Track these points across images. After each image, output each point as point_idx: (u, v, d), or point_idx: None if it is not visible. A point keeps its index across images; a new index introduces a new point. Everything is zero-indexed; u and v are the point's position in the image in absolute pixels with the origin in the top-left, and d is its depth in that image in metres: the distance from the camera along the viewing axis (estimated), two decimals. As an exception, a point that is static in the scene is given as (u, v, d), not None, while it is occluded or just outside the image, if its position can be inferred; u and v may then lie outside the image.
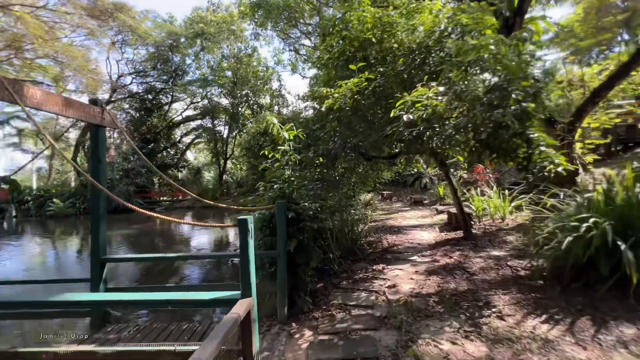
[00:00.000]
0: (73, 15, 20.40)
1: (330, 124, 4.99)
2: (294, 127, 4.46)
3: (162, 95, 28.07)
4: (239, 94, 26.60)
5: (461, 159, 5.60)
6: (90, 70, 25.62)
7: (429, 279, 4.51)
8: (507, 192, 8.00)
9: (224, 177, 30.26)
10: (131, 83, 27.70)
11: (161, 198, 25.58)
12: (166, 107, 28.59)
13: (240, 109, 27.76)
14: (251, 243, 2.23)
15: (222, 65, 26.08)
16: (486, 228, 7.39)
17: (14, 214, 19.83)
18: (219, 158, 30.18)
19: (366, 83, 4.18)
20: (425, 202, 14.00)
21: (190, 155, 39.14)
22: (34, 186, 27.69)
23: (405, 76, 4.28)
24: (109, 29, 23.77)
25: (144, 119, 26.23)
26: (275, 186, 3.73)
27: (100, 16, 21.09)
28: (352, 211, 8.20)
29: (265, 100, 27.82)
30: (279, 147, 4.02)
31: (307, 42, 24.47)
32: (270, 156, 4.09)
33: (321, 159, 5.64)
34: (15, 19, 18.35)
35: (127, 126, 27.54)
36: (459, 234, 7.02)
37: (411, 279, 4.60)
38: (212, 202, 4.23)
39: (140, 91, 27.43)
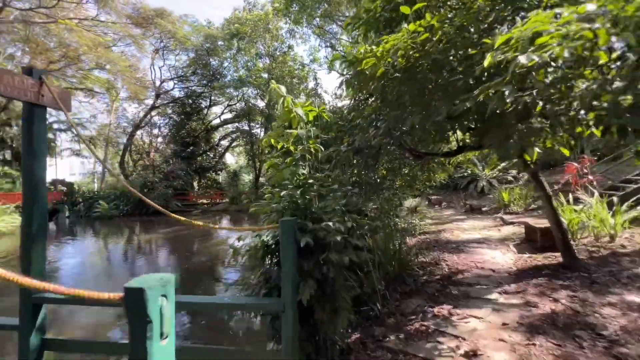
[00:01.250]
0: (120, 25, 21.27)
1: (372, 105, 3.51)
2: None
3: (201, 99, 28.55)
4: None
5: (566, 152, 3.73)
6: (137, 78, 26.86)
7: (533, 344, 2.79)
8: (614, 199, 5.82)
9: (261, 179, 29.95)
10: (173, 88, 28.58)
11: (199, 200, 25.79)
12: (205, 111, 29.03)
13: (275, 110, 27.21)
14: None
15: (257, 65, 25.70)
16: (590, 250, 5.30)
17: (66, 214, 21.09)
18: (255, 160, 29.94)
19: (427, 34, 2.64)
20: (485, 209, 11.74)
21: (230, 158, 39.91)
22: (95, 188, 29.77)
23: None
24: (152, 37, 24.66)
25: (184, 122, 26.79)
26: (283, 193, 2.34)
27: (142, 24, 21.79)
28: (397, 219, 6.59)
29: (301, 100, 26.94)
30: (288, 131, 2.65)
31: (344, 37, 23.11)
32: (279, 147, 2.73)
33: (356, 160, 4.19)
34: (69, 31, 19.43)
35: (170, 130, 28.44)
36: (552, 257, 5.07)
37: (501, 339, 2.91)
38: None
39: (181, 96, 28.16)
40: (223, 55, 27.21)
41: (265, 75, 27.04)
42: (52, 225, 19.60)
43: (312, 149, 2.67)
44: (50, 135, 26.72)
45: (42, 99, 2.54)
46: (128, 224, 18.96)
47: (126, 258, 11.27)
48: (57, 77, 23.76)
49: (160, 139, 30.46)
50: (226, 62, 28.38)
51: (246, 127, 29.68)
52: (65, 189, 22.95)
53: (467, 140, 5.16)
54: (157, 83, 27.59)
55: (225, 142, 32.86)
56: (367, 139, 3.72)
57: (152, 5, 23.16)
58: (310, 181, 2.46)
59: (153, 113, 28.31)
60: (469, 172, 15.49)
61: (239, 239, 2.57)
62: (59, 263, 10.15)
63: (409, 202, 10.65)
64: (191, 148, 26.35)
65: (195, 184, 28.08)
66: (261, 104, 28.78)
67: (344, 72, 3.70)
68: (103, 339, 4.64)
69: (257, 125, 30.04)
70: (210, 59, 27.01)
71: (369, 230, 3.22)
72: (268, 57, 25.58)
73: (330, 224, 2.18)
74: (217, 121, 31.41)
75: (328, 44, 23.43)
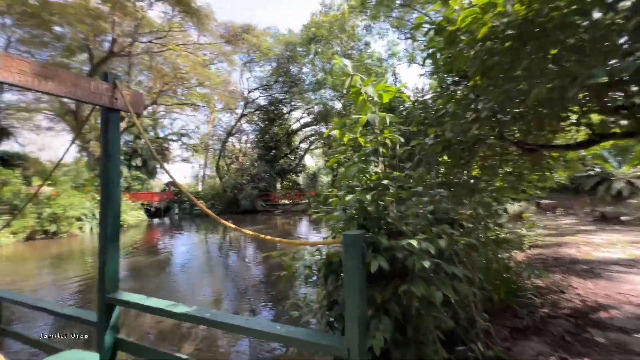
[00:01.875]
0: (215, 44, 24.07)
1: (468, 85, 2.67)
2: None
3: (282, 105, 30.24)
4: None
5: None
6: (229, 91, 30.04)
7: None
8: None
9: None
10: (258, 97, 31.02)
11: (281, 201, 27.26)
12: (286, 116, 30.65)
13: (353, 111, 26.90)
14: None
15: (334, 67, 25.81)
16: None
17: (176, 211, 24.90)
18: (334, 164, 30.16)
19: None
20: (626, 218, 8.92)
21: (310, 160, 41.39)
22: (199, 189, 34.70)
23: None
24: (240, 53, 27.23)
25: (267, 128, 28.78)
26: (348, 197, 1.80)
27: (232, 41, 24.19)
28: (496, 228, 5.34)
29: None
30: (355, 117, 2.07)
31: (426, 25, 21.22)
32: (345, 140, 2.19)
33: (445, 155, 3.39)
34: (177, 56, 22.84)
35: (255, 136, 30.95)
36: None
37: None
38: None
39: (265, 103, 30.37)
40: (302, 61, 28.24)
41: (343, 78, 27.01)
42: (166, 220, 23.45)
43: (387, 141, 2.06)
44: (165, 145, 32.07)
45: (116, 102, 2.60)
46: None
47: (219, 249, 12.55)
48: (171, 96, 28.46)
49: (248, 144, 33.50)
50: (305, 67, 29.46)
51: (324, 129, 30.20)
52: (175, 189, 27.14)
53: (610, 125, 3.72)
54: (245, 93, 30.35)
55: (304, 145, 34.12)
56: (462, 128, 2.89)
57: (240, 21, 25.62)
58: (385, 182, 1.86)
59: (242, 121, 31.27)
60: (597, 170, 12.17)
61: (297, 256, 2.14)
62: (173, 250, 11.97)
63: (511, 208, 8.79)
64: (274, 152, 28.11)
65: (277, 185, 29.85)
66: (338, 105, 28.89)
67: (428, 48, 2.93)
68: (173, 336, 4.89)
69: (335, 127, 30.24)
70: (290, 66, 28.34)
71: (466, 246, 2.40)
72: (345, 57, 25.42)
73: (415, 242, 1.54)
74: (296, 125, 32.83)
75: (408, 34, 21.88)
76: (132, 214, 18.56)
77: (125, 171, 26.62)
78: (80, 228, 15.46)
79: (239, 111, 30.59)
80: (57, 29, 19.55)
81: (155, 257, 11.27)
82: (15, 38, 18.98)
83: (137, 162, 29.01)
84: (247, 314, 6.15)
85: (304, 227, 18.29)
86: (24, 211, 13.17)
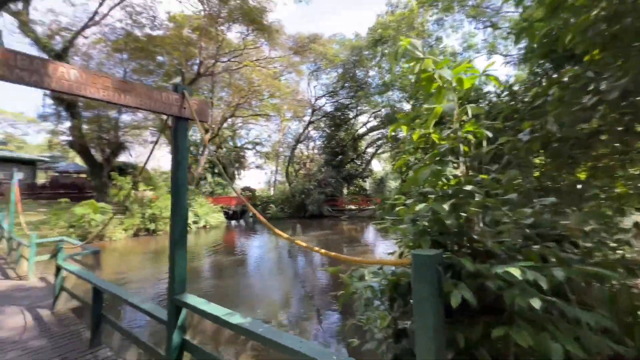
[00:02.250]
0: (284, 57, 25.44)
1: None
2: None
3: (348, 110, 30.22)
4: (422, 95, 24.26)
5: None
6: (297, 100, 31.36)
7: None
8: None
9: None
10: (325, 104, 31.62)
11: (347, 206, 27.07)
12: (352, 121, 30.50)
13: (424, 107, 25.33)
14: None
15: (403, 67, 24.71)
16: None
17: (250, 214, 26.84)
18: (401, 168, 28.78)
19: None
20: None
21: (377, 165, 40.44)
22: (272, 194, 37.07)
23: None
24: (307, 62, 28.21)
25: (334, 134, 29.05)
26: (419, 207, 1.44)
27: (300, 52, 25.21)
28: (616, 246, 4.13)
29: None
30: (427, 107, 1.68)
31: (510, 10, 18.70)
32: (415, 138, 1.82)
33: (544, 154, 2.74)
34: (251, 71, 24.77)
35: (322, 142, 31.54)
36: None
37: None
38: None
39: (331, 110, 30.78)
40: (368, 65, 27.84)
41: (411, 77, 25.70)
42: (242, 222, 25.49)
43: (468, 137, 1.63)
44: (242, 153, 35.04)
45: (184, 111, 2.73)
46: (290, 225, 21.98)
47: (288, 251, 12.94)
48: (247, 108, 31.07)
49: (315, 150, 34.37)
50: (371, 71, 28.97)
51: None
52: (250, 194, 29.35)
53: None
54: (313, 101, 31.28)
55: (371, 150, 33.44)
56: (573, 118, 2.24)
57: (308, 31, 26.56)
58: (469, 187, 1.44)
59: (309, 128, 32.25)
60: None
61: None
62: (248, 251, 12.89)
63: (620, 221, 6.86)
64: (340, 157, 28.17)
65: (344, 190, 29.79)
66: (407, 106, 27.54)
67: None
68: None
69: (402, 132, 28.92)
70: (357, 71, 28.20)
71: (585, 274, 1.78)
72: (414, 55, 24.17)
73: (516, 271, 1.11)
74: (363, 130, 32.41)
75: (488, 22, 19.64)
76: (213, 216, 20.61)
77: (209, 177, 29.89)
78: (173, 227, 17.77)
79: (307, 118, 31.66)
80: (159, 58, 23.20)
81: (232, 257, 12.19)
82: (129, 69, 23.08)
83: (219, 169, 32.42)
84: (315, 322, 6.05)
85: (370, 234, 17.72)
86: (132, 211, 15.77)
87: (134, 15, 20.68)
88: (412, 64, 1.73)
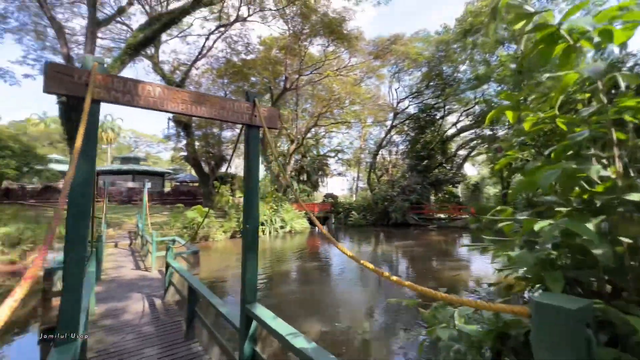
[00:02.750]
0: (364, 62, 25.28)
1: None
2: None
3: (435, 111, 27.95)
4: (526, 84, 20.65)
5: None
6: (378, 105, 30.71)
7: None
8: None
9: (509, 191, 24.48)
10: (408, 106, 30.03)
11: (436, 215, 24.81)
12: (440, 122, 28.08)
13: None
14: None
15: (501, 56, 21.55)
16: None
17: (332, 221, 27.19)
18: (502, 170, 24.92)
19: None
20: None
21: (470, 169, 36.26)
22: (354, 201, 37.16)
23: None
24: (388, 65, 27.34)
25: (418, 137, 27.22)
26: (540, 224, 0.95)
27: (380, 55, 24.63)
28: None
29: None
30: (549, 76, 1.14)
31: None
32: (527, 127, 1.29)
33: None
34: (332, 80, 25.39)
35: (406, 146, 29.94)
36: None
37: None
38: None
39: (415, 112, 29.01)
40: (458, 59, 25.31)
41: (513, 66, 22.12)
42: (324, 228, 26.03)
43: (625, 117, 1.04)
44: (324, 161, 36.07)
45: (255, 119, 2.73)
46: (372, 233, 21.34)
47: (372, 260, 12.40)
48: (329, 118, 31.96)
49: (398, 156, 32.86)
50: (461, 65, 26.20)
51: (489, 132, 25.58)
52: (332, 200, 29.82)
53: None
54: (394, 104, 30.10)
55: (463, 152, 30.10)
56: None
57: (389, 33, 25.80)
58: (633, 196, 0.88)
59: (392, 132, 31.06)
60: None
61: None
62: (331, 258, 12.94)
63: None
64: (426, 161, 26.15)
65: (431, 197, 27.48)
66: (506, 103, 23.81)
67: None
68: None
69: (503, 128, 25.05)
70: (443, 67, 25.96)
71: None
72: (514, 40, 20.79)
73: None
74: (452, 130, 29.47)
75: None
76: (298, 222, 21.61)
77: (295, 184, 31.68)
78: (263, 231, 19.32)
79: (389, 123, 30.61)
80: (252, 79, 26.01)
81: (316, 262, 12.42)
82: (229, 91, 26.48)
83: (304, 176, 33.98)
84: (399, 339, 5.50)
85: (464, 247, 15.69)
86: (230, 216, 17.78)
87: (232, 44, 23.76)
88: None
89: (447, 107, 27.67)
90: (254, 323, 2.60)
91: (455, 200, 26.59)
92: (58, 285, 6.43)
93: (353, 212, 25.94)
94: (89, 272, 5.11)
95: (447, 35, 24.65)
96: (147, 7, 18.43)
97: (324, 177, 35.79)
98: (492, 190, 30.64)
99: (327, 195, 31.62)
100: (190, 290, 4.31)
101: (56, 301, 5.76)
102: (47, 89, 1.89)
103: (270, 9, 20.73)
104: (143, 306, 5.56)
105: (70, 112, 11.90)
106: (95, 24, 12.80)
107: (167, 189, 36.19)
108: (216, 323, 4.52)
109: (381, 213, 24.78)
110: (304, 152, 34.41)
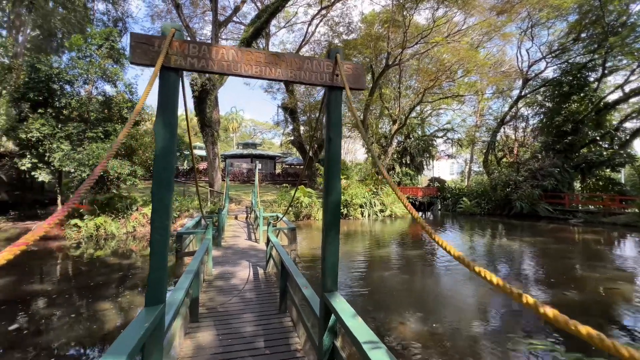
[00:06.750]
0: (483, 22, 21.22)
1: None
2: None
3: (587, 72, 21.31)
4: None
5: None
6: (502, 72, 25.72)
7: None
8: None
9: None
10: (544, 69, 23.96)
11: (581, 206, 19.36)
12: (594, 85, 21.30)
13: None
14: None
15: None
16: None
17: (438, 207, 24.74)
18: None
19: None
20: None
21: (640, 147, 26.90)
22: (464, 186, 33.11)
23: None
24: (518, 20, 22.12)
25: (559, 107, 21.45)
26: None
27: (506, 9, 20.12)
28: None
29: None
30: None
31: None
32: None
33: None
34: (440, 49, 22.43)
35: (540, 120, 24.18)
36: None
37: None
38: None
39: (555, 75, 22.87)
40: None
41: None
42: (429, 214, 23.97)
43: None
44: (430, 142, 32.88)
45: (336, 79, 2.31)
46: (487, 224, 18.35)
47: (487, 253, 10.60)
48: (437, 93, 28.69)
49: (527, 132, 26.95)
50: (635, 4, 18.82)
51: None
52: (439, 185, 27.09)
53: None
54: (525, 69, 24.49)
55: (631, 125, 22.24)
56: None
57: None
58: None
59: (519, 104, 25.56)
60: None
61: None
62: (437, 247, 11.78)
63: None
64: (569, 138, 20.46)
65: (575, 184, 21.60)
66: None
67: None
68: None
69: None
70: (604, 10, 19.29)
71: None
72: None
73: None
74: (615, 96, 21.98)
75: None
76: (399, 206, 20.53)
77: (397, 167, 30.18)
78: (362, 213, 19.18)
79: (515, 93, 25.24)
80: (354, 59, 25.53)
81: (418, 250, 11.49)
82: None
83: (407, 159, 31.99)
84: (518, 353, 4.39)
85: (627, 251, 11.71)
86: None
87: (333, 27, 23.70)
88: None
89: (607, 64, 20.65)
90: (333, 317, 2.30)
91: (616, 189, 20.07)
92: (190, 247, 7.75)
93: (464, 199, 22.89)
94: (206, 239, 5.93)
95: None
96: (257, 3, 20.09)
97: (430, 160, 32.76)
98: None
99: (433, 179, 28.90)
100: (282, 265, 4.39)
101: (188, 259, 7.01)
102: (133, 60, 1.94)
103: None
104: (248, 273, 6.12)
105: (200, 104, 14.30)
106: (217, 26, 14.70)
107: (277, 170, 40.30)
108: (303, 303, 4.55)
109: (500, 201, 20.96)
110: (408, 133, 32.20)
